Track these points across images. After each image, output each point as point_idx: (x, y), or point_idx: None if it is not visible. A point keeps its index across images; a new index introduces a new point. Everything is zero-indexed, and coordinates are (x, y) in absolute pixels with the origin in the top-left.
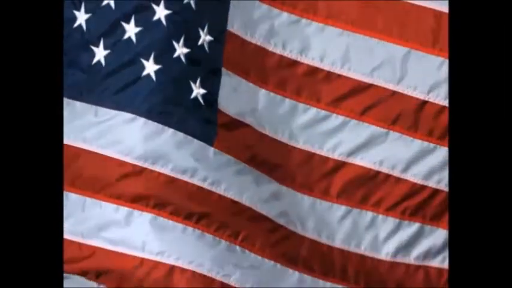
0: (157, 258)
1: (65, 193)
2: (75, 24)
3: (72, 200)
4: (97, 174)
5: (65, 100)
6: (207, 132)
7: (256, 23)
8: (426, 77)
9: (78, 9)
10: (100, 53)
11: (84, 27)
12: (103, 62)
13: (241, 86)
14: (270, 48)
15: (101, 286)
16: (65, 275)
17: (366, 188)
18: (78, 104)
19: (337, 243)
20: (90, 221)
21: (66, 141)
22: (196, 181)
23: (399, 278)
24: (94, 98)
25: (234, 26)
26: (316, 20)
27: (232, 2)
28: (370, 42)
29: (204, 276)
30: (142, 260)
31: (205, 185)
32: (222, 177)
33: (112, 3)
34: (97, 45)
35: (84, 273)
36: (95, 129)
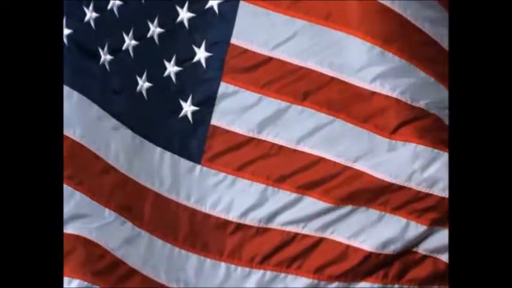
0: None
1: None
2: (85, 20)
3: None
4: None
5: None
6: (194, 150)
7: (264, 32)
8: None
9: (87, 6)
10: (104, 57)
11: (93, 25)
12: (107, 66)
13: (243, 96)
14: (276, 56)
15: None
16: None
17: (371, 192)
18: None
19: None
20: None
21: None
22: (180, 200)
23: (402, 265)
24: (95, 95)
25: (239, 37)
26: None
27: (240, 13)
28: (373, 50)
29: None
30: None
31: (190, 205)
32: (207, 194)
33: (115, 10)
34: (102, 48)
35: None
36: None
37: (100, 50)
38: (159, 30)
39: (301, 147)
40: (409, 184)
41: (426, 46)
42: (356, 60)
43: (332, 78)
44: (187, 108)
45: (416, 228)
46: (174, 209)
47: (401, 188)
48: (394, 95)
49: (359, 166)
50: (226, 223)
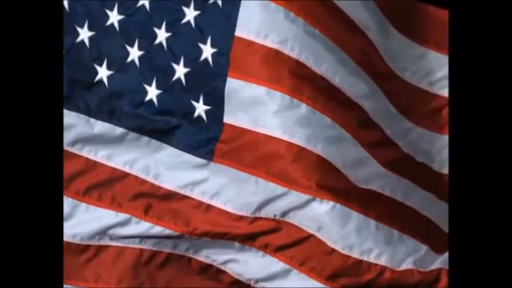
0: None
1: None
2: (78, 40)
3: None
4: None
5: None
6: (207, 148)
7: (271, 26)
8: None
9: (81, 26)
10: (103, 73)
11: (88, 44)
12: (106, 82)
13: (250, 90)
14: (286, 51)
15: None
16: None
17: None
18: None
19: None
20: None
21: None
22: (194, 195)
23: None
24: (95, 112)
25: (244, 30)
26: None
27: (243, 4)
28: None
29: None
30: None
31: (205, 200)
32: (221, 191)
33: (116, 25)
34: (100, 64)
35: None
36: (97, 140)
37: (97, 66)
38: (166, 34)
39: (311, 147)
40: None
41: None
42: None
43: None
44: (200, 108)
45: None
46: (187, 204)
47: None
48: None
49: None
50: (241, 217)
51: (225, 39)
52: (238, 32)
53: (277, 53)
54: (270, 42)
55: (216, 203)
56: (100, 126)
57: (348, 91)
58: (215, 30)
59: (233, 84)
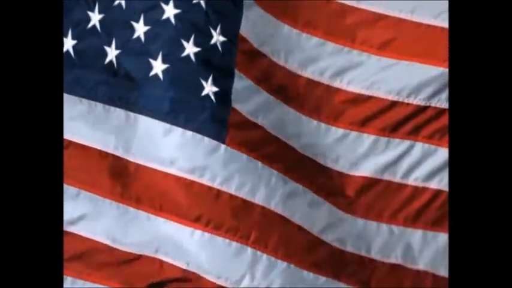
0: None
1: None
2: (90, 25)
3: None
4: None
5: (83, 100)
6: (218, 130)
7: (261, 32)
8: (426, 86)
9: (92, 10)
10: (112, 53)
11: (99, 28)
12: (114, 62)
13: (254, 89)
14: (274, 59)
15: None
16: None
17: (368, 198)
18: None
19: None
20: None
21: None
22: (205, 181)
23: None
24: (106, 97)
25: (246, 30)
26: (316, 35)
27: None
28: (371, 58)
29: (214, 282)
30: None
31: (215, 185)
32: (232, 176)
33: (123, 3)
34: (109, 45)
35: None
36: (104, 128)
37: (107, 48)
38: (175, 11)
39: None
40: (407, 181)
41: None
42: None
43: (328, 86)
44: (209, 88)
45: (412, 235)
46: (196, 190)
47: (399, 186)
48: (390, 97)
49: (356, 171)
50: (252, 206)
51: (233, 33)
52: (242, 31)
53: (269, 60)
54: (263, 49)
55: (227, 189)
56: (115, 115)
57: (345, 86)
58: (225, 20)
59: (240, 78)
